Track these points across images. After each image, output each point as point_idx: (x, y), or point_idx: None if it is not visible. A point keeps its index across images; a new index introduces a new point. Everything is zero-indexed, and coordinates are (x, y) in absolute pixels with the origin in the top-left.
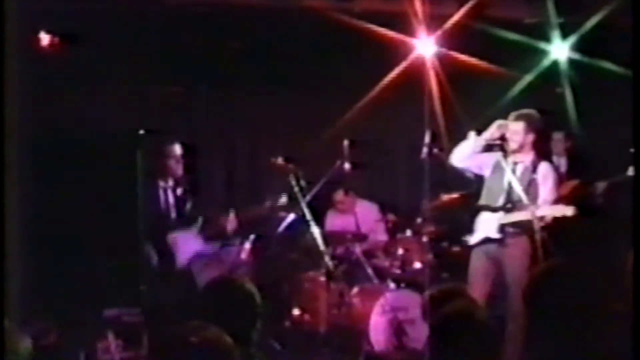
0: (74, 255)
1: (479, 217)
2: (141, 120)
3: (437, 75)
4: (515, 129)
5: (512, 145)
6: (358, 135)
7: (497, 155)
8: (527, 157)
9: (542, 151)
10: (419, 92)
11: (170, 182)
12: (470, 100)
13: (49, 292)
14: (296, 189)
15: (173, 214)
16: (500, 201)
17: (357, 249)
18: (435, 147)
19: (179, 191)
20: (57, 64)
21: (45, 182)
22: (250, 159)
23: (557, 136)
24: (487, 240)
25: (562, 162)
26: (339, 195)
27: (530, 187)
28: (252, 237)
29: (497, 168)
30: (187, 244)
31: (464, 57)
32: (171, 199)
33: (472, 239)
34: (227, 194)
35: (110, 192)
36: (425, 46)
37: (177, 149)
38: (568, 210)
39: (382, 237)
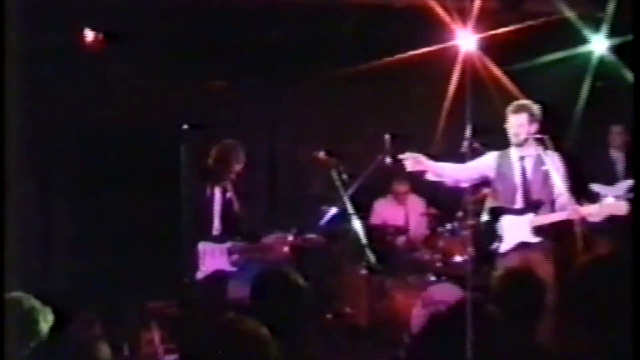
0: (118, 248)
1: (499, 222)
2: (185, 115)
3: (478, 69)
4: (519, 122)
5: (520, 137)
6: (399, 129)
7: (494, 155)
8: (533, 149)
9: (543, 141)
10: (460, 86)
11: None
12: (510, 96)
13: (94, 285)
14: (338, 182)
15: (217, 213)
16: (518, 201)
17: (399, 242)
18: (476, 141)
19: (229, 194)
20: (102, 60)
21: (89, 177)
22: (293, 153)
23: (616, 129)
24: (521, 246)
25: (620, 157)
26: (403, 187)
27: (548, 178)
28: (294, 230)
29: (503, 167)
30: (212, 259)
31: (504, 52)
32: (218, 198)
33: (503, 247)
34: (269, 188)
35: (154, 186)
36: (467, 40)
37: (241, 153)
38: (622, 208)
39: (424, 230)
